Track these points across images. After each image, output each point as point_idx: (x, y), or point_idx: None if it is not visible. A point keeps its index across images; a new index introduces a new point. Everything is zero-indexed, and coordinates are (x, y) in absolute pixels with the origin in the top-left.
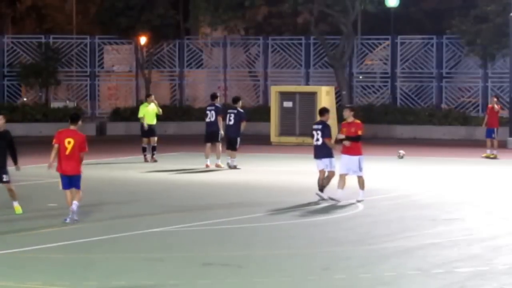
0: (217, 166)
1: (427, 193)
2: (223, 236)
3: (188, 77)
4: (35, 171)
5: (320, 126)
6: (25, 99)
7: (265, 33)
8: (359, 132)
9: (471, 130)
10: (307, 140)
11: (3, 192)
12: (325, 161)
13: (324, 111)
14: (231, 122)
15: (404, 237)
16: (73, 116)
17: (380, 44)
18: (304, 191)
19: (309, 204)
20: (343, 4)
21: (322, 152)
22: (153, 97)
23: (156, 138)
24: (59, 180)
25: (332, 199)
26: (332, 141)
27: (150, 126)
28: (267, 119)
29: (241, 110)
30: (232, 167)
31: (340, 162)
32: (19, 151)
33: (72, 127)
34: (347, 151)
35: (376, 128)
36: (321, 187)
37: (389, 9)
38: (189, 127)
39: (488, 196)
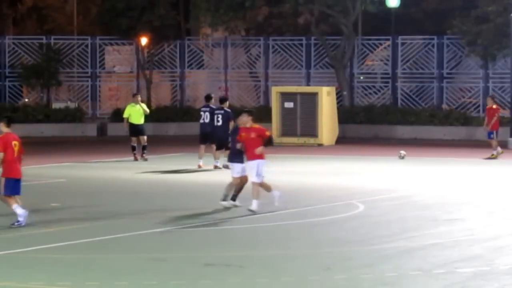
0: (215, 167)
1: (428, 193)
2: (224, 237)
3: (189, 77)
4: (36, 172)
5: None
6: (26, 99)
7: (266, 33)
8: (267, 133)
9: (472, 131)
10: (309, 140)
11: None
12: (238, 166)
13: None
14: (220, 123)
15: (405, 238)
16: (10, 118)
17: (380, 44)
18: (305, 191)
19: (310, 204)
20: (343, 5)
21: (235, 157)
22: (139, 97)
23: (145, 137)
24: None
25: (251, 210)
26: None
27: (137, 125)
28: (268, 119)
29: (228, 110)
30: (224, 166)
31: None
32: None
33: (8, 130)
34: (249, 156)
35: (377, 128)
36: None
37: (390, 9)
38: (190, 127)
39: (489, 196)
